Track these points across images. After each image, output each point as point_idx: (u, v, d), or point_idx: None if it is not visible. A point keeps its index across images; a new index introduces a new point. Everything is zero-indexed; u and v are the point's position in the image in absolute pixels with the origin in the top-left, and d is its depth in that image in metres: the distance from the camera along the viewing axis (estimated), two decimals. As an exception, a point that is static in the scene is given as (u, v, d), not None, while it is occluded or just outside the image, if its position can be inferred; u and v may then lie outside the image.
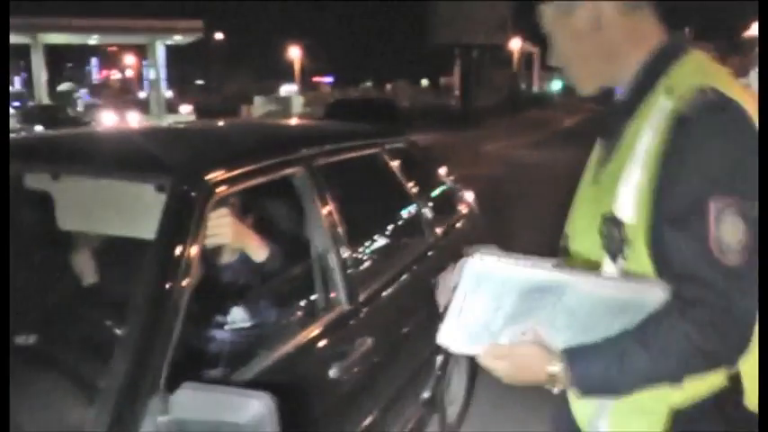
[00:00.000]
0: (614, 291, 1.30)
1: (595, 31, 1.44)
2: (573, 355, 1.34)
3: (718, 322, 1.23)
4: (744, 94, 1.33)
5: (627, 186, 1.35)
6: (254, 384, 1.80)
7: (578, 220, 1.54)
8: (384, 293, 2.79)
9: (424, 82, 74.76)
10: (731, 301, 1.22)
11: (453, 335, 1.36)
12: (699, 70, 1.39)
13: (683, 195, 1.26)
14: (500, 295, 1.29)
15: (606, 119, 1.55)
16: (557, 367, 1.34)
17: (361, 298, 2.56)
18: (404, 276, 3.00)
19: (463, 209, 4.05)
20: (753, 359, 1.32)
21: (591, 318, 1.32)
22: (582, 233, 1.50)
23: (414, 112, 31.59)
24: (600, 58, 1.47)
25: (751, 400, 1.37)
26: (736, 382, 1.36)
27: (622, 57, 1.45)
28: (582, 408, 1.54)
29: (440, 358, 3.28)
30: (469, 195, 4.21)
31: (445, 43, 39.20)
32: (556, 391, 1.38)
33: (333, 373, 2.28)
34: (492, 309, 1.31)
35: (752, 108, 1.32)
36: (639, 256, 1.34)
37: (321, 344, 2.32)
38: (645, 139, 1.34)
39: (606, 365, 1.31)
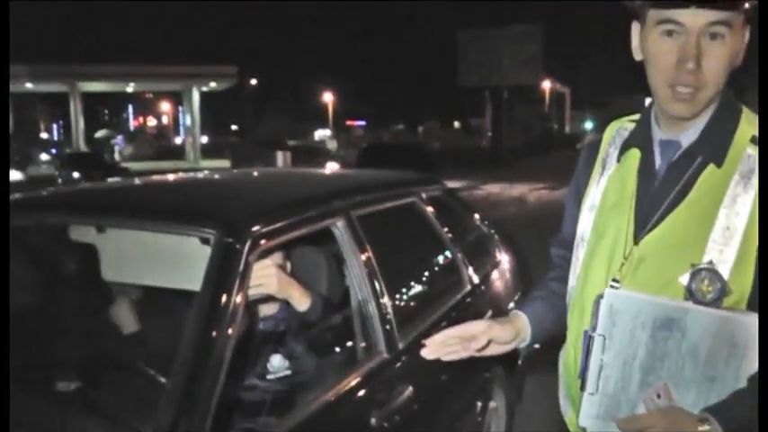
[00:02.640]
0: (727, 315, 1.31)
1: (736, 56, 1.37)
2: (719, 411, 1.30)
3: None
4: None
5: (723, 236, 1.33)
6: (297, 434, 1.83)
7: (651, 270, 1.41)
8: (423, 341, 2.80)
9: (456, 124, 75.03)
10: None
11: (595, 413, 1.37)
12: None
13: None
14: (633, 334, 1.33)
15: (642, 146, 1.50)
16: (707, 427, 1.28)
17: (401, 346, 2.58)
18: (442, 324, 3.01)
19: (497, 255, 4.06)
20: None
21: (713, 356, 1.32)
22: (656, 282, 1.39)
23: (445, 154, 31.77)
24: (723, 84, 1.38)
25: None
26: None
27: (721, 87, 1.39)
28: None
29: (479, 404, 3.27)
30: (501, 242, 4.21)
31: (474, 86, 39.37)
32: None
33: (373, 421, 2.29)
34: (628, 357, 1.34)
35: None
36: (738, 306, 1.33)
37: (361, 392, 2.33)
38: (735, 187, 1.34)
39: (751, 412, 1.28)
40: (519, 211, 13.70)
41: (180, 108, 57.35)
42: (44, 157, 39.91)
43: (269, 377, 2.45)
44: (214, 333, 1.81)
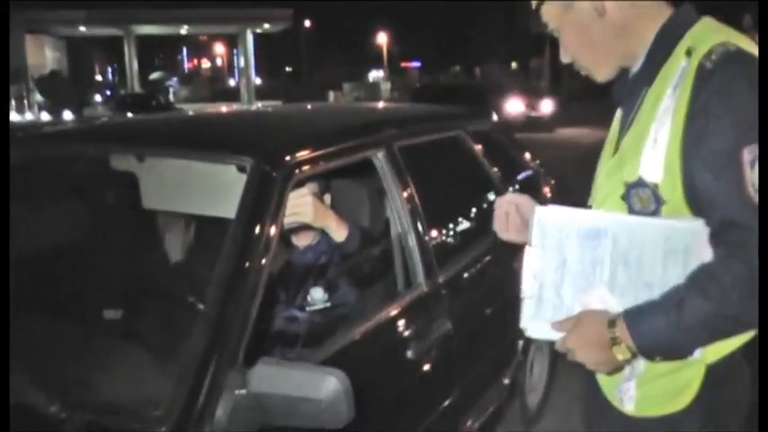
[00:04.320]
0: (661, 222, 1.36)
1: (600, 18, 1.46)
2: (632, 313, 1.34)
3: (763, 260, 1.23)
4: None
5: (653, 149, 1.37)
6: (331, 363, 1.82)
7: (598, 193, 1.55)
8: (464, 276, 2.78)
9: (514, 65, 73.42)
10: None
11: (532, 315, 1.45)
12: (716, 30, 1.41)
13: (717, 146, 1.29)
14: (562, 243, 1.41)
15: (620, 91, 1.57)
16: (618, 329, 1.34)
17: (441, 280, 2.55)
18: (485, 260, 2.97)
19: (546, 193, 3.97)
20: None
21: (647, 262, 1.37)
22: (602, 204, 1.51)
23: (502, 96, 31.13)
24: (611, 40, 1.48)
25: None
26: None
27: (634, 34, 1.47)
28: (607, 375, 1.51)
29: (521, 343, 3.24)
30: (550, 181, 4.11)
31: (535, 30, 38.40)
32: (620, 357, 1.36)
33: (410, 353, 2.28)
34: (558, 264, 1.42)
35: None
36: (678, 213, 1.36)
37: (399, 325, 2.32)
38: (666, 100, 1.36)
39: (666, 319, 1.30)
40: (567, 154, 13.34)
41: (234, 50, 57.40)
42: (99, 98, 40.71)
43: (309, 309, 2.46)
44: (247, 261, 1.79)
